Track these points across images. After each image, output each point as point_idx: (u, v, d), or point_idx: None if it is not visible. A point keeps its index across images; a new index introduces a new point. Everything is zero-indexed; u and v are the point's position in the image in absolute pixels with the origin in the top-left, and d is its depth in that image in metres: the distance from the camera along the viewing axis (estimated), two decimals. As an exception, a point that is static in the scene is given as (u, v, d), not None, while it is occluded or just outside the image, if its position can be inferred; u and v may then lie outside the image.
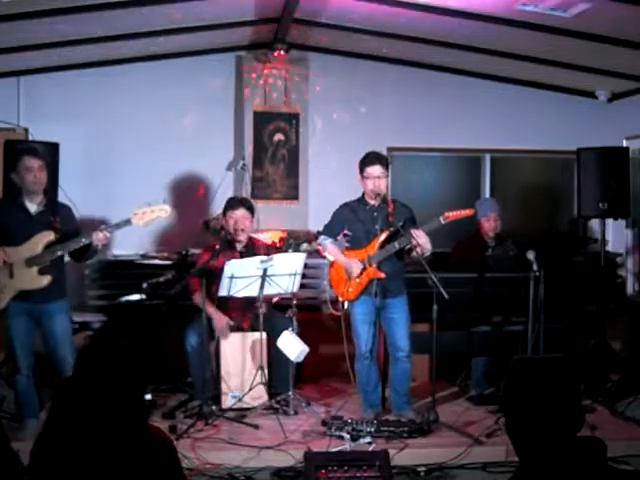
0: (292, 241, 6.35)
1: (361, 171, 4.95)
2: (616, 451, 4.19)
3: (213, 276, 5.06)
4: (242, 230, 5.30)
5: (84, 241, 4.50)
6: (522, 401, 2.03)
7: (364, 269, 4.87)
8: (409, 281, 5.03)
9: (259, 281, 4.98)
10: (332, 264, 5.11)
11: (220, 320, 5.20)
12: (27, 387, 4.67)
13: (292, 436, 4.65)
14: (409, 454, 4.40)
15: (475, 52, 6.23)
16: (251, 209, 5.41)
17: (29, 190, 4.58)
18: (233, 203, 5.42)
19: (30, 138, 6.35)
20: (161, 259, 6.26)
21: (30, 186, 4.56)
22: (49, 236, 4.52)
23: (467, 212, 4.85)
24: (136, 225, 4.56)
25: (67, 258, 4.78)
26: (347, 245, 5.09)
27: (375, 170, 4.90)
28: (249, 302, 5.21)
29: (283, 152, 6.86)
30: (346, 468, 3.76)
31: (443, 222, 4.79)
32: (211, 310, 5.17)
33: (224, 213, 5.42)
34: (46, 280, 4.52)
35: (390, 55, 6.83)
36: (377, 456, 3.88)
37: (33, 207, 4.60)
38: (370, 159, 4.95)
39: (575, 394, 2.05)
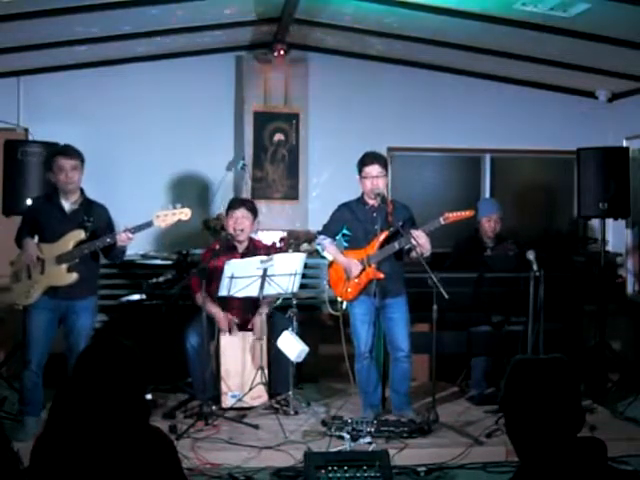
0: (292, 241, 6.35)
1: (359, 171, 4.95)
2: (616, 451, 4.19)
3: (213, 276, 5.06)
4: (242, 230, 5.29)
5: (108, 241, 4.64)
6: (522, 402, 2.03)
7: (363, 269, 4.87)
8: (409, 281, 5.03)
9: (259, 281, 4.98)
10: (331, 264, 5.11)
11: (222, 318, 5.20)
12: (34, 384, 4.67)
13: (292, 436, 4.65)
14: (409, 454, 4.40)
15: (475, 52, 6.23)
16: (253, 210, 5.39)
17: (62, 189, 4.71)
18: (234, 203, 5.43)
19: (30, 138, 6.35)
20: (161, 259, 6.27)
21: (62, 186, 4.70)
22: (79, 235, 4.64)
23: (467, 213, 4.84)
24: (157, 227, 4.72)
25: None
26: (345, 245, 5.09)
27: (373, 170, 4.90)
28: (249, 302, 5.22)
29: (283, 152, 6.87)
30: (346, 468, 3.76)
31: (443, 223, 4.78)
32: (213, 309, 5.18)
33: (226, 213, 5.43)
34: (74, 277, 4.62)
35: (390, 55, 6.84)
36: (377, 456, 3.88)
37: (68, 205, 4.73)
38: (368, 159, 4.95)
39: (575, 394, 2.05)
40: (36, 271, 4.64)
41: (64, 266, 4.62)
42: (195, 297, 5.23)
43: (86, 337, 4.70)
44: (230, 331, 5.21)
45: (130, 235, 4.61)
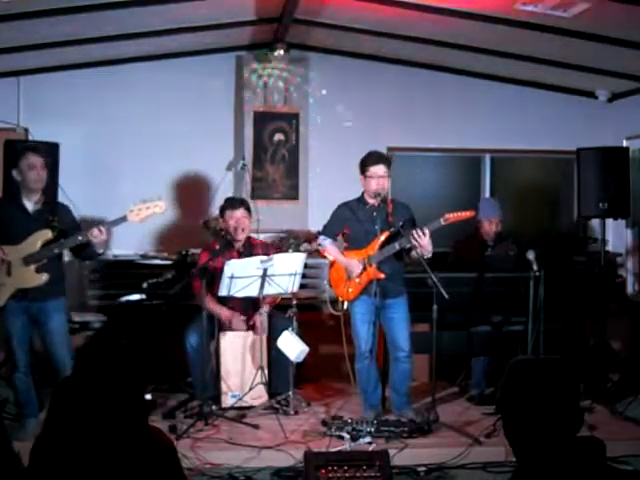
0: (292, 241, 6.35)
1: (364, 171, 4.93)
2: (616, 451, 4.20)
3: (213, 276, 5.07)
4: (242, 230, 5.32)
5: (80, 239, 4.50)
6: (519, 403, 2.03)
7: (364, 269, 4.87)
8: (409, 281, 5.03)
9: (259, 281, 4.98)
10: (332, 264, 5.11)
11: (226, 314, 5.21)
12: (26, 385, 4.69)
13: (292, 436, 4.65)
14: (409, 454, 4.40)
15: (475, 52, 6.23)
16: (249, 209, 5.44)
17: (30, 188, 4.57)
18: (234, 203, 5.43)
19: (30, 138, 6.35)
20: (161, 259, 6.27)
21: (31, 184, 4.56)
22: (47, 235, 4.53)
23: (467, 214, 4.83)
24: (132, 222, 4.56)
25: (67, 257, 4.78)
26: (345, 245, 5.09)
27: (379, 169, 4.89)
28: (249, 302, 5.22)
29: (283, 152, 6.87)
30: (346, 468, 3.76)
31: (444, 223, 4.77)
32: (215, 307, 5.19)
33: (222, 213, 5.42)
34: (43, 278, 4.54)
35: (390, 55, 6.83)
36: (377, 456, 3.88)
37: (31, 205, 4.60)
38: (374, 158, 4.94)
39: (573, 395, 2.04)
40: (2, 274, 4.50)
41: (32, 267, 4.50)
42: (197, 297, 5.22)
43: (62, 339, 4.66)
44: (238, 325, 5.21)
45: (103, 230, 4.47)
